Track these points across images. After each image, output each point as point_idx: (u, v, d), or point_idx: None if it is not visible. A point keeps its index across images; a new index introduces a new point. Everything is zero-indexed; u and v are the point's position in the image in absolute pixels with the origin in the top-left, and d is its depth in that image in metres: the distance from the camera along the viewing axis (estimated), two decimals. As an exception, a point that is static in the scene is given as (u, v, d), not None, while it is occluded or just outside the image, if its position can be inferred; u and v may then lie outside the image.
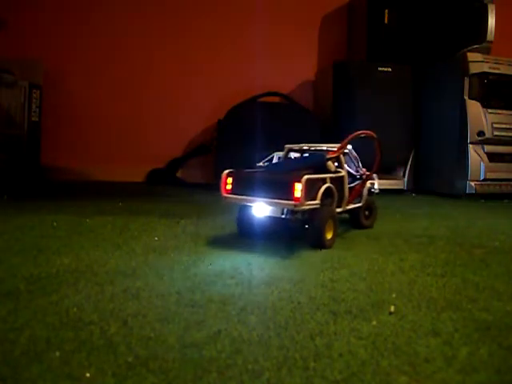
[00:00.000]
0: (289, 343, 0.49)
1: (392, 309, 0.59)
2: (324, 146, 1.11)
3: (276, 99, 2.61)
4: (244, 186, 0.95)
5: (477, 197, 2.14)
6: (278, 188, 0.90)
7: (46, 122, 2.46)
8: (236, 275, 0.75)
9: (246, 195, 0.94)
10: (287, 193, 0.88)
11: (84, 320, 0.54)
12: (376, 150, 1.10)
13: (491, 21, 2.39)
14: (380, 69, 2.31)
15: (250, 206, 0.99)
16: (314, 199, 0.92)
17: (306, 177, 0.87)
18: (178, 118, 2.70)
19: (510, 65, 2.20)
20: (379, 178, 1.21)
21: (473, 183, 2.14)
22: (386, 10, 2.41)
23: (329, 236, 0.95)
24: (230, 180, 0.97)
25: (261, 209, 0.97)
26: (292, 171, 0.97)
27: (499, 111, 2.18)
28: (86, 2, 2.65)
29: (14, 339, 0.48)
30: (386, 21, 2.42)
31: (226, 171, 0.98)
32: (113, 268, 0.77)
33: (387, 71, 2.32)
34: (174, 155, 2.65)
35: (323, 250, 0.94)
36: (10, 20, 2.53)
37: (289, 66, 2.79)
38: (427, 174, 2.43)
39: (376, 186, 1.21)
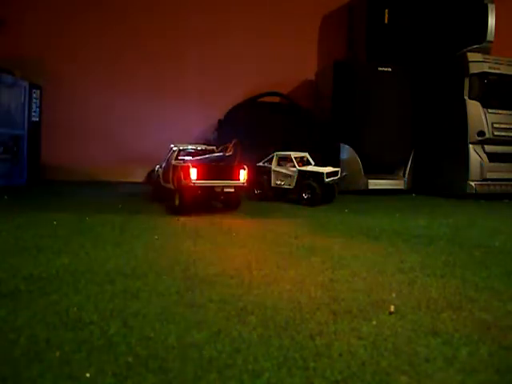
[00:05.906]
0: (289, 343, 0.49)
1: (392, 309, 0.59)
2: None
3: (276, 99, 2.61)
4: None
5: (477, 197, 2.14)
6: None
7: (45, 122, 2.46)
8: (236, 275, 0.75)
9: None
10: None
11: (84, 320, 0.54)
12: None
13: (491, 21, 2.39)
14: (380, 69, 2.32)
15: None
16: None
17: None
18: (178, 118, 2.70)
19: (509, 65, 2.20)
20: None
21: (473, 183, 2.14)
22: (386, 10, 2.42)
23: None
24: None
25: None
26: None
27: (499, 111, 2.18)
28: (86, 2, 2.65)
29: (14, 339, 0.48)
30: (385, 21, 2.42)
31: None
32: (113, 268, 0.77)
33: (387, 71, 2.32)
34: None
35: (323, 250, 0.94)
36: (10, 20, 2.53)
37: (289, 65, 2.79)
38: (427, 174, 2.43)
39: None
